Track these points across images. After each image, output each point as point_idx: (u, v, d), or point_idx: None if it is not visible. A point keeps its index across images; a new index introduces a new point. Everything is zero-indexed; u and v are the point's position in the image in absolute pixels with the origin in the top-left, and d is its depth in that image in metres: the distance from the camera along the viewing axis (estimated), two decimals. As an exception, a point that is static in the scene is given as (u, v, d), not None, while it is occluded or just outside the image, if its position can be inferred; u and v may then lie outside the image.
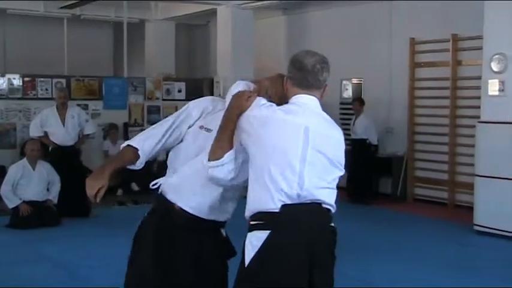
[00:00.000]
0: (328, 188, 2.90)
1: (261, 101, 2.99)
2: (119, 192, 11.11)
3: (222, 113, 3.07)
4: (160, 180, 3.30)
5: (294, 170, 2.81)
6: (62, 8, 13.90)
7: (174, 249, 3.19)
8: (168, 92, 12.68)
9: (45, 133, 9.34)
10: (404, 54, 10.94)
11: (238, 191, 3.20)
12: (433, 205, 10.52)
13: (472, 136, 8.90)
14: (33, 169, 8.70)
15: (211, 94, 12.98)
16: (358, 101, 11.18)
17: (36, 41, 15.07)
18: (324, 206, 2.89)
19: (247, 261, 2.87)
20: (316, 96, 2.98)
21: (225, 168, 2.93)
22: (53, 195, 8.81)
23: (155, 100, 12.48)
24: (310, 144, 2.83)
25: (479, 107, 8.57)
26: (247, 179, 2.96)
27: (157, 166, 11.38)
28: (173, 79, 13.35)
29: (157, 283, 3.19)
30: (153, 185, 3.31)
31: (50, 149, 9.40)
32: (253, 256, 2.84)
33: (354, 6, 12.00)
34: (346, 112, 11.57)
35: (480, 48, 8.62)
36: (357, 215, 9.32)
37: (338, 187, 2.97)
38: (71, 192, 8.97)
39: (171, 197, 3.22)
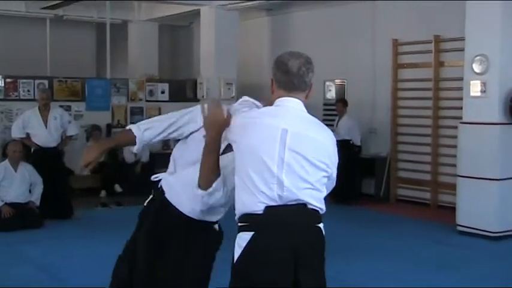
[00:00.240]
0: (312, 189, 2.92)
1: (243, 108, 3.03)
2: (102, 193, 11.08)
3: None
4: (161, 176, 3.47)
5: (272, 172, 2.84)
6: (44, 8, 13.82)
7: (167, 242, 3.35)
8: (151, 93, 12.65)
9: (27, 134, 9.28)
10: (387, 56, 10.99)
11: (232, 200, 3.27)
12: (416, 205, 10.57)
13: (455, 137, 8.96)
14: (15, 171, 8.65)
15: (195, 95, 12.98)
16: (341, 102, 11.22)
17: (18, 41, 14.93)
18: (309, 207, 2.91)
19: (235, 261, 2.93)
20: (301, 99, 3.00)
21: (216, 195, 3.06)
22: (35, 197, 8.76)
23: (138, 101, 12.44)
24: (287, 146, 2.85)
25: (461, 108, 8.62)
26: None
27: (141, 168, 11.38)
28: (156, 80, 13.35)
29: (148, 275, 3.38)
30: (155, 178, 3.50)
31: (32, 150, 9.34)
32: (238, 256, 2.90)
33: (337, 7, 12.03)
34: (329, 113, 11.58)
35: (462, 50, 8.67)
36: (339, 215, 9.33)
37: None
38: (53, 194, 8.96)
39: (168, 195, 3.37)
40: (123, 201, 10.21)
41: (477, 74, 8.27)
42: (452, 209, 8.91)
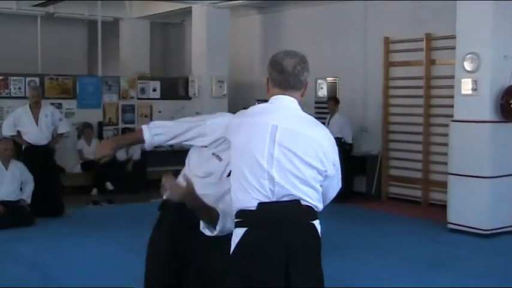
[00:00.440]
0: (305, 185, 2.91)
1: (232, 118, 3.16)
2: (94, 191, 11.03)
3: None
4: (182, 171, 3.55)
5: (262, 167, 2.86)
6: (35, 6, 13.77)
7: (186, 236, 3.48)
8: (142, 91, 12.62)
9: (18, 132, 9.24)
10: (378, 54, 11.01)
11: None
12: (407, 203, 10.59)
13: (446, 135, 8.98)
14: (6, 169, 8.62)
15: (186, 93, 12.97)
16: (333, 100, 11.24)
17: (9, 39, 14.87)
18: (303, 203, 2.91)
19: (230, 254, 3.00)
20: (296, 97, 3.01)
21: (227, 221, 3.20)
22: (26, 195, 8.74)
23: (130, 99, 12.41)
24: (276, 141, 2.87)
25: (452, 106, 8.64)
26: None
27: (133, 165, 11.34)
28: (148, 78, 13.31)
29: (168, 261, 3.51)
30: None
31: (23, 148, 9.31)
32: (232, 250, 2.95)
33: (328, 5, 12.04)
34: (321, 111, 11.59)
35: (453, 48, 8.69)
36: (331, 213, 9.22)
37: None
38: (44, 192, 8.93)
39: None
40: (115, 199, 10.17)
41: (468, 72, 8.29)
42: (443, 207, 8.94)
